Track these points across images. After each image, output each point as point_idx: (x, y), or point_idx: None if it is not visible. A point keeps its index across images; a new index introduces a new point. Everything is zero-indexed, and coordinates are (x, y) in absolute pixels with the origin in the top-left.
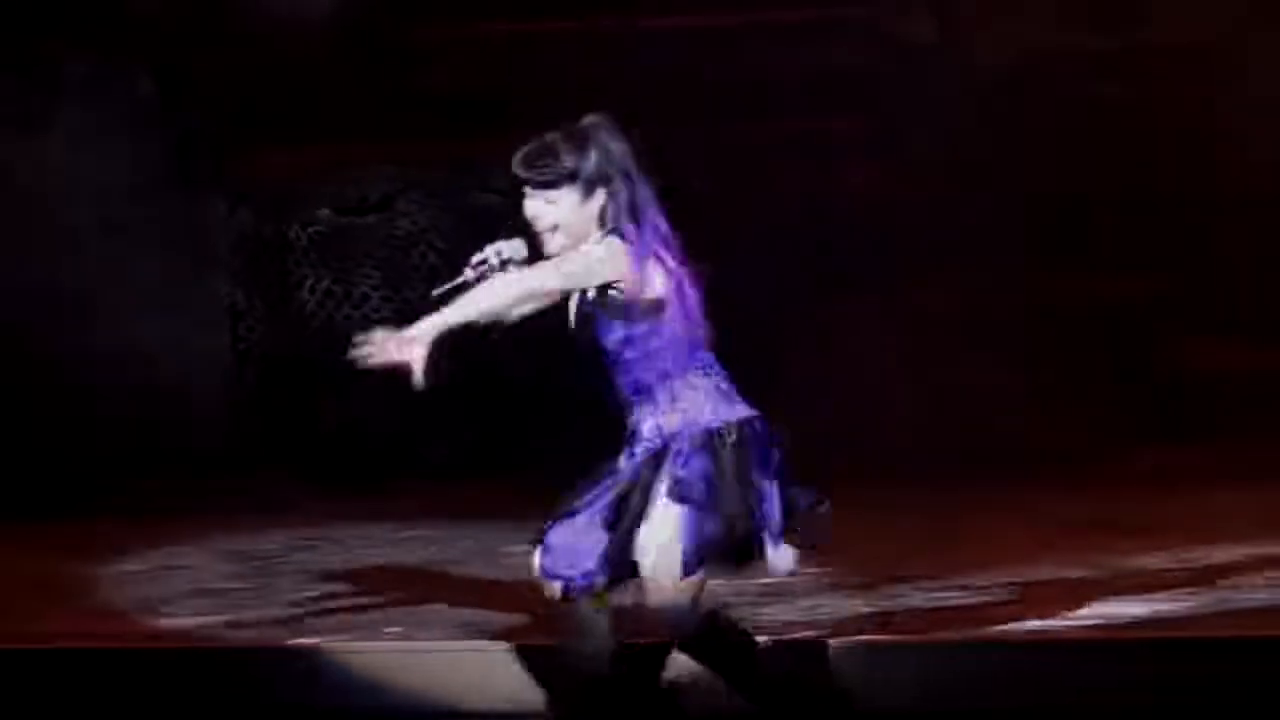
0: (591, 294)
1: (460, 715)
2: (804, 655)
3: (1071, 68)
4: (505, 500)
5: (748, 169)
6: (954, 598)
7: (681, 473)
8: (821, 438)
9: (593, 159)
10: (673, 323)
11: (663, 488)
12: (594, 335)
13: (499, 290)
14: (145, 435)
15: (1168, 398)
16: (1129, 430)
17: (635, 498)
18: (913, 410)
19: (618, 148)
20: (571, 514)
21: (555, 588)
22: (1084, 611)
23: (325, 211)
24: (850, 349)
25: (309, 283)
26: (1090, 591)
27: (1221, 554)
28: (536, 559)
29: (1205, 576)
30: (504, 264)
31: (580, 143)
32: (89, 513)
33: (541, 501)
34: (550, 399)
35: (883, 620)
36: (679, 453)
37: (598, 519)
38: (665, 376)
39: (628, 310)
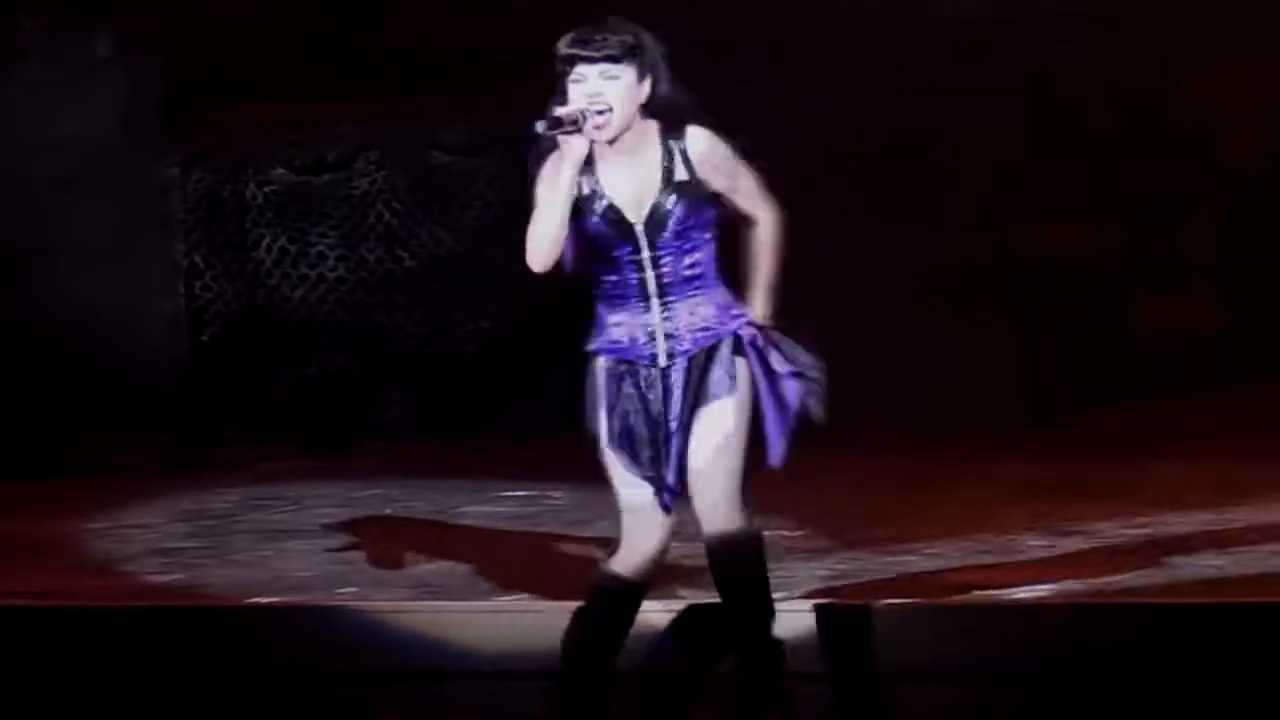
0: (684, 175)
1: (416, 674)
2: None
3: (1029, 25)
4: (461, 460)
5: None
6: (910, 562)
7: (731, 372)
8: None
9: (645, 41)
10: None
11: (715, 388)
12: (662, 222)
13: None
14: (99, 395)
15: (1124, 359)
16: (1085, 393)
17: (686, 399)
18: (867, 374)
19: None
20: (627, 436)
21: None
22: (1040, 577)
23: (281, 171)
24: (803, 313)
25: (265, 242)
26: (1048, 557)
27: (1177, 519)
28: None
29: (1160, 542)
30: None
31: (631, 26)
32: (43, 473)
33: (496, 462)
34: (508, 359)
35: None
36: (716, 351)
37: (646, 428)
38: (711, 268)
39: (705, 191)
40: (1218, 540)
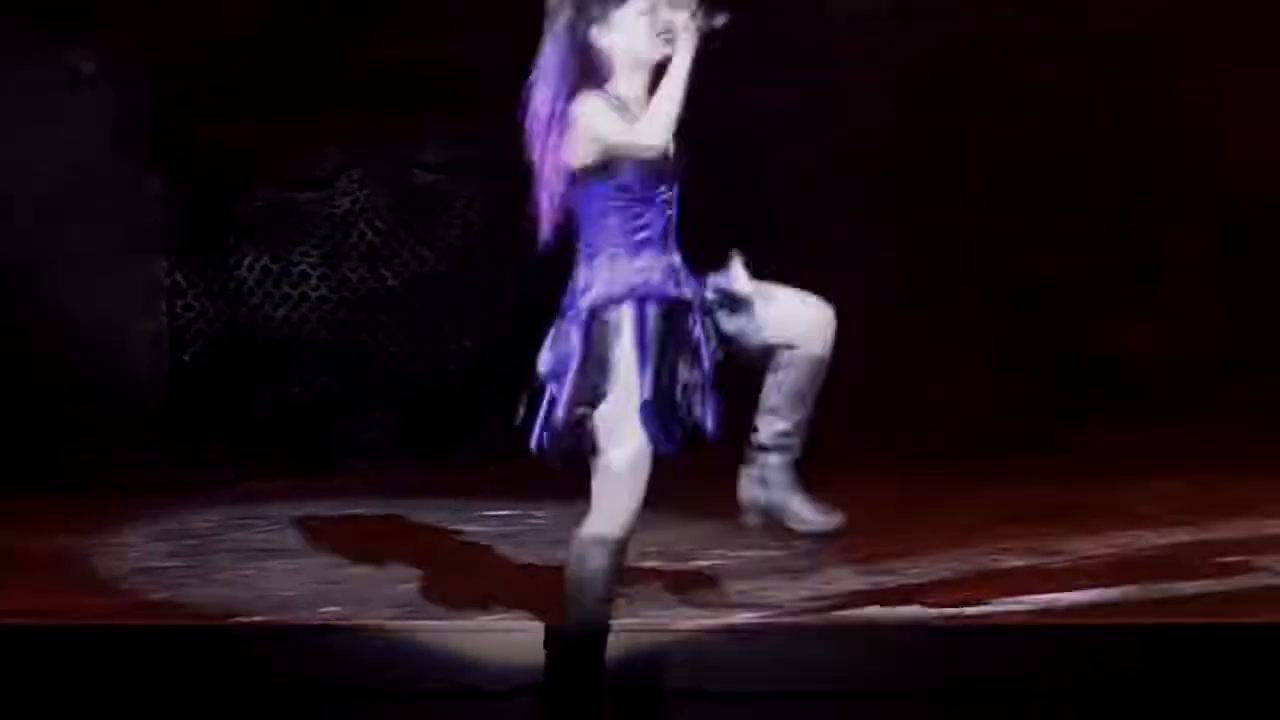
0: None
1: (399, 693)
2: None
3: (1029, 26)
4: (443, 480)
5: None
6: (892, 581)
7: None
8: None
9: None
10: None
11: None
12: (682, 158)
13: None
14: (82, 413)
15: (1110, 381)
16: (1070, 414)
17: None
18: (860, 387)
19: None
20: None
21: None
22: (1023, 596)
23: (264, 189)
24: None
25: (247, 261)
26: (1029, 576)
27: (1160, 538)
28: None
29: (1143, 561)
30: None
31: None
32: (25, 490)
33: (479, 481)
34: (490, 378)
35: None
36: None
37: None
38: None
39: None
40: (1201, 559)
